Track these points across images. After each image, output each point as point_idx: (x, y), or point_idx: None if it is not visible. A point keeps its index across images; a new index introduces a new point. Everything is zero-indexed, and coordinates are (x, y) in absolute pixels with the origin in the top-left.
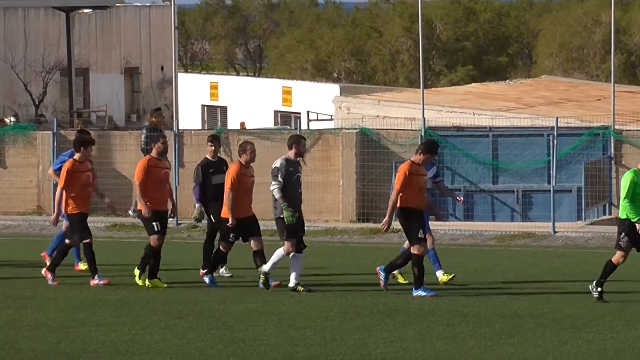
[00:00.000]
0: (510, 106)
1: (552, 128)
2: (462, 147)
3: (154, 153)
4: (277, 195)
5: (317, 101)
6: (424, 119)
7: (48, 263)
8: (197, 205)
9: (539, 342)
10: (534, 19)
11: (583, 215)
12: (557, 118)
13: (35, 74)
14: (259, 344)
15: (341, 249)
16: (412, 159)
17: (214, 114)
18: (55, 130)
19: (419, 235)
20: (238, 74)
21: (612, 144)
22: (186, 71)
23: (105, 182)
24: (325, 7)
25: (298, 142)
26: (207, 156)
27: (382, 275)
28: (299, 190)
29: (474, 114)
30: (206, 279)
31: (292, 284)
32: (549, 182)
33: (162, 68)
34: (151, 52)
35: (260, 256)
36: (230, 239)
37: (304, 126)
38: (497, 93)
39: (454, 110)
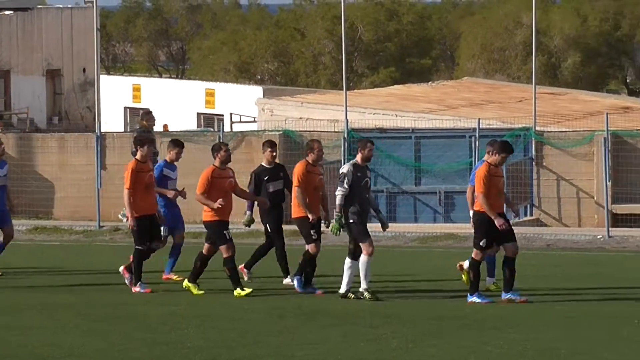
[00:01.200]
0: (432, 108)
1: (474, 129)
2: (385, 148)
3: (216, 162)
4: (337, 202)
5: (241, 103)
6: (347, 120)
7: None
8: (247, 212)
9: (461, 343)
10: (456, 20)
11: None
12: (479, 120)
13: None
14: (182, 347)
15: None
16: (487, 160)
17: (137, 116)
18: None
19: (481, 244)
20: (161, 76)
21: (533, 146)
22: (108, 73)
23: (27, 184)
24: (249, 9)
25: (364, 146)
26: (263, 163)
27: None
28: (367, 196)
29: (396, 116)
30: (295, 284)
31: (343, 290)
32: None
33: (84, 70)
34: (73, 54)
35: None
36: (313, 237)
37: (227, 128)
38: (420, 95)
39: (377, 112)
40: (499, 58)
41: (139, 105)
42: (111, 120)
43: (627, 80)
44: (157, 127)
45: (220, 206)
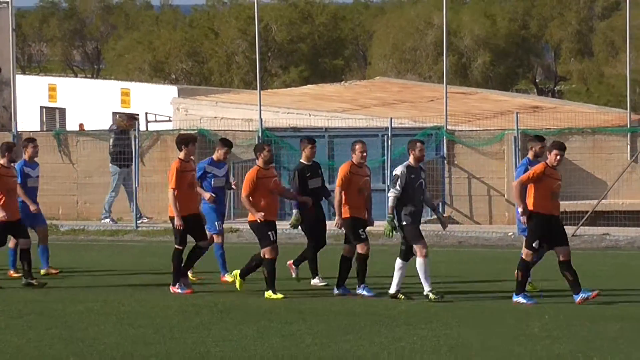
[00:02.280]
0: (345, 107)
1: (387, 129)
2: (299, 147)
3: (260, 163)
4: (390, 203)
5: (156, 102)
6: (261, 120)
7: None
8: (294, 211)
9: (374, 339)
10: (369, 20)
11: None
12: (391, 119)
13: None
14: (98, 343)
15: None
16: (547, 161)
17: (53, 115)
18: None
19: (534, 245)
20: (76, 76)
21: (444, 144)
22: (24, 73)
23: None
24: (162, 9)
25: (414, 146)
26: (302, 160)
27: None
28: (423, 196)
29: (310, 115)
30: (363, 292)
31: (393, 290)
32: (383, 182)
33: None
34: None
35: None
36: (362, 237)
37: (142, 127)
38: (333, 94)
39: (291, 111)
40: (411, 58)
41: (55, 104)
42: (27, 119)
43: (536, 80)
44: (74, 126)
45: (261, 220)
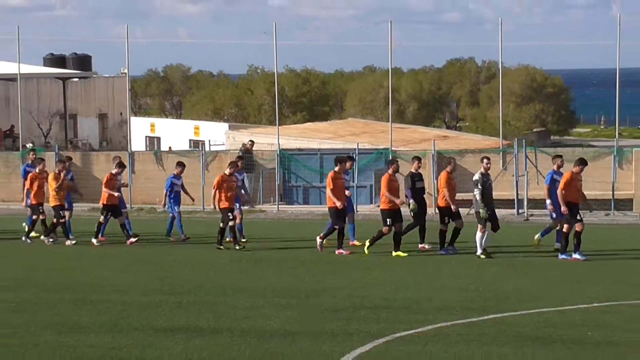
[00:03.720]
0: (330, 136)
1: (355, 149)
2: (302, 160)
3: (390, 171)
4: (477, 198)
5: (215, 134)
6: (279, 144)
7: None
8: (411, 201)
9: (350, 277)
10: (344, 83)
11: (373, 200)
12: (357, 143)
13: (44, 117)
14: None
15: None
16: (573, 170)
17: (153, 141)
18: (56, 151)
19: (578, 217)
20: (167, 117)
21: (390, 159)
22: (135, 116)
23: (86, 183)
24: (219, 76)
25: (482, 161)
26: (412, 169)
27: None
28: (491, 193)
29: (308, 141)
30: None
31: (479, 252)
32: (353, 181)
33: (121, 114)
34: (115, 104)
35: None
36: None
37: (207, 149)
38: (322, 129)
39: (297, 138)
40: (370, 106)
41: (154, 135)
42: (137, 143)
43: (446, 120)
44: (165, 148)
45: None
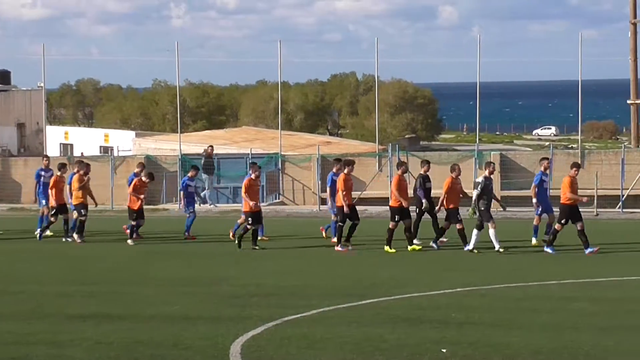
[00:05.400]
0: (226, 142)
1: (249, 154)
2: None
3: (400, 172)
4: (474, 198)
5: (122, 140)
6: (180, 149)
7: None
8: (424, 201)
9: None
10: (238, 95)
11: (265, 199)
12: (250, 149)
13: None
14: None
15: None
16: (570, 174)
17: (67, 147)
18: None
19: (562, 222)
20: (79, 126)
21: (280, 162)
22: (51, 124)
23: (4, 185)
24: (127, 90)
25: (488, 166)
26: (421, 172)
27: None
28: (491, 194)
29: (207, 146)
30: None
31: (496, 248)
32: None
33: (37, 123)
34: (32, 114)
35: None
36: (459, 219)
37: (116, 154)
38: (219, 136)
39: (197, 145)
40: (262, 115)
41: (68, 142)
42: (52, 150)
43: (329, 128)
44: (78, 154)
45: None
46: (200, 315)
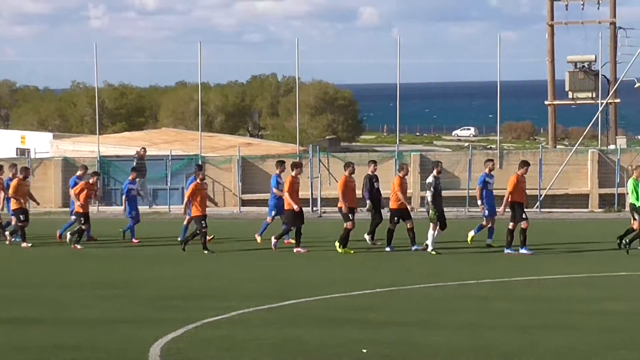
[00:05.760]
0: (146, 144)
1: (168, 156)
2: (120, 166)
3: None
4: (429, 199)
5: (40, 142)
6: (99, 151)
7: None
8: (368, 202)
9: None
10: (159, 96)
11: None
12: (170, 150)
13: None
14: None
15: None
16: (518, 172)
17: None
18: None
19: (524, 216)
20: None
21: (200, 162)
22: None
23: None
24: (45, 91)
25: (437, 166)
26: (369, 172)
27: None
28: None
29: (126, 149)
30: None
31: (430, 249)
32: (166, 184)
33: None
34: None
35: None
36: (395, 220)
37: (33, 155)
38: (139, 137)
39: (115, 146)
40: (182, 117)
41: None
42: None
43: (249, 129)
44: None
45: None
46: (119, 318)
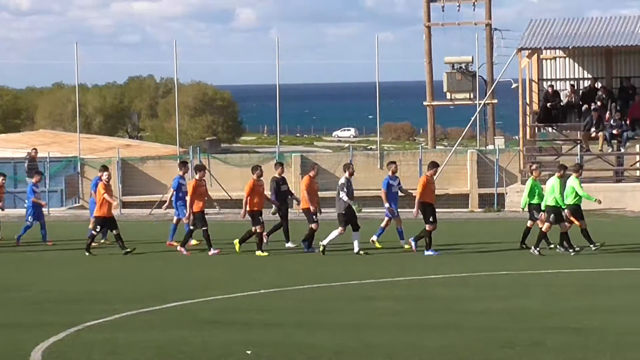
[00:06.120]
0: (23, 146)
1: (46, 158)
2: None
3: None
4: (344, 200)
5: None
6: None
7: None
8: (275, 203)
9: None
10: (35, 97)
11: (64, 203)
12: (48, 152)
13: None
14: None
15: None
16: (427, 174)
17: None
18: None
19: (431, 219)
20: None
21: (79, 166)
22: None
23: None
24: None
25: (349, 167)
26: (276, 175)
27: (413, 244)
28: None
29: (2, 151)
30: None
31: (356, 250)
32: (45, 186)
33: None
34: None
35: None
36: (315, 219)
37: None
38: (15, 139)
39: None
40: (59, 118)
41: None
42: None
43: (128, 131)
44: None
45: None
46: (1, 322)
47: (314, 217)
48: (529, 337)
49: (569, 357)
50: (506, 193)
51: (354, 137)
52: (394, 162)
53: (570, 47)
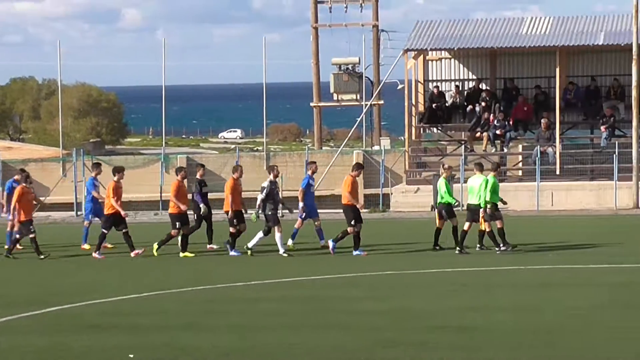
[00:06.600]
0: None
1: None
2: None
3: (235, 175)
4: (258, 202)
5: None
6: None
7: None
8: (202, 205)
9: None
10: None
11: None
12: None
13: None
14: None
15: None
16: (352, 174)
17: None
18: None
19: (352, 222)
20: None
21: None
22: None
23: None
24: None
25: (273, 169)
26: (197, 177)
27: (331, 245)
28: (279, 197)
29: None
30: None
31: (281, 252)
32: None
33: None
34: None
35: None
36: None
37: None
38: None
39: None
40: None
41: None
42: None
43: (10, 133)
44: None
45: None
46: None
47: (234, 221)
48: (414, 336)
49: (454, 356)
50: (391, 193)
51: (240, 138)
52: (314, 162)
53: (455, 49)
